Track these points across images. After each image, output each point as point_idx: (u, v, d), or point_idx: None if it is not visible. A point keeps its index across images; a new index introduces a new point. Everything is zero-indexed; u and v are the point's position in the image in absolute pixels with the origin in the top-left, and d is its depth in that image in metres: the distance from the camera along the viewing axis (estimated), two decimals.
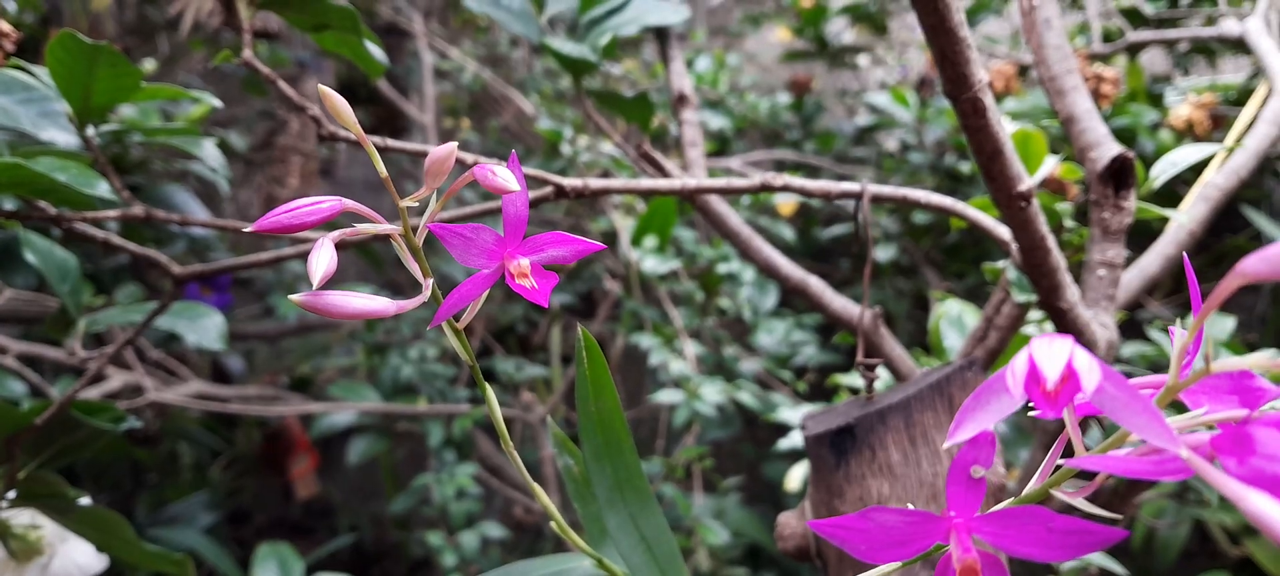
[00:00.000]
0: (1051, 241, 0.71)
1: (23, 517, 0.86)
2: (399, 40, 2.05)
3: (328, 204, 0.40)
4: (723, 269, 1.77)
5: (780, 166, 2.20)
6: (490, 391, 0.53)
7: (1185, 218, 0.86)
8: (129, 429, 0.84)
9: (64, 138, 0.77)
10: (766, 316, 1.84)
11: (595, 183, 0.75)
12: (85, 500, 0.84)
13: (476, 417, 1.64)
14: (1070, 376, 0.26)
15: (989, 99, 0.61)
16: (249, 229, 0.40)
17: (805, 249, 2.19)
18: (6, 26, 0.92)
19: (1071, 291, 0.74)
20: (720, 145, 2.23)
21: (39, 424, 0.79)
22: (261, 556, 1.33)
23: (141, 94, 0.80)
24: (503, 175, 0.37)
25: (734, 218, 0.97)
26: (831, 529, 0.31)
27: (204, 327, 0.85)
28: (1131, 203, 0.79)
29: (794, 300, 1.92)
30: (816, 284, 0.98)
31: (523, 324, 2.10)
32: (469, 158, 0.67)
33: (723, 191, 0.74)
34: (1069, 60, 0.82)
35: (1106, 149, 0.79)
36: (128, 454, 1.76)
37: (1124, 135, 1.59)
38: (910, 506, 0.45)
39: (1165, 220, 0.83)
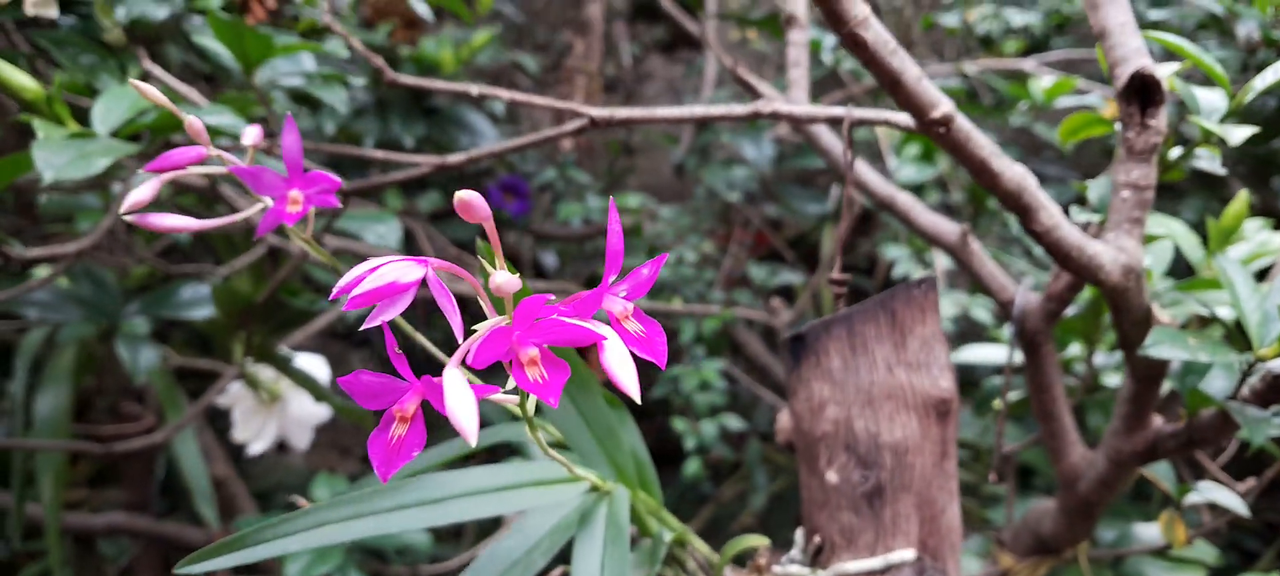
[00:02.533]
0: (1000, 163, 0.70)
1: (267, 373, 1.16)
2: None
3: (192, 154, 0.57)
4: None
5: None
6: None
7: (1240, 136, 0.77)
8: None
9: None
10: None
11: (622, 113, 0.86)
12: (298, 361, 1.12)
13: (727, 319, 1.78)
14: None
15: (869, 33, 0.64)
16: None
17: None
18: None
19: (1047, 213, 0.73)
20: (1030, 44, 2.12)
21: (259, 302, 1.07)
22: None
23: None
24: (250, 134, 0.52)
25: (827, 135, 1.02)
26: (346, 383, 0.43)
27: (379, 231, 1.08)
28: (1160, 122, 0.75)
29: None
30: (905, 199, 1.00)
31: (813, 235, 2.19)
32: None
33: (718, 119, 0.82)
34: None
35: (1131, 65, 0.75)
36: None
37: None
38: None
39: (1218, 139, 0.77)
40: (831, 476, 0.76)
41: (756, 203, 2.02)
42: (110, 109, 0.86)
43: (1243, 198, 0.98)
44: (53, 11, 0.94)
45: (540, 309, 0.39)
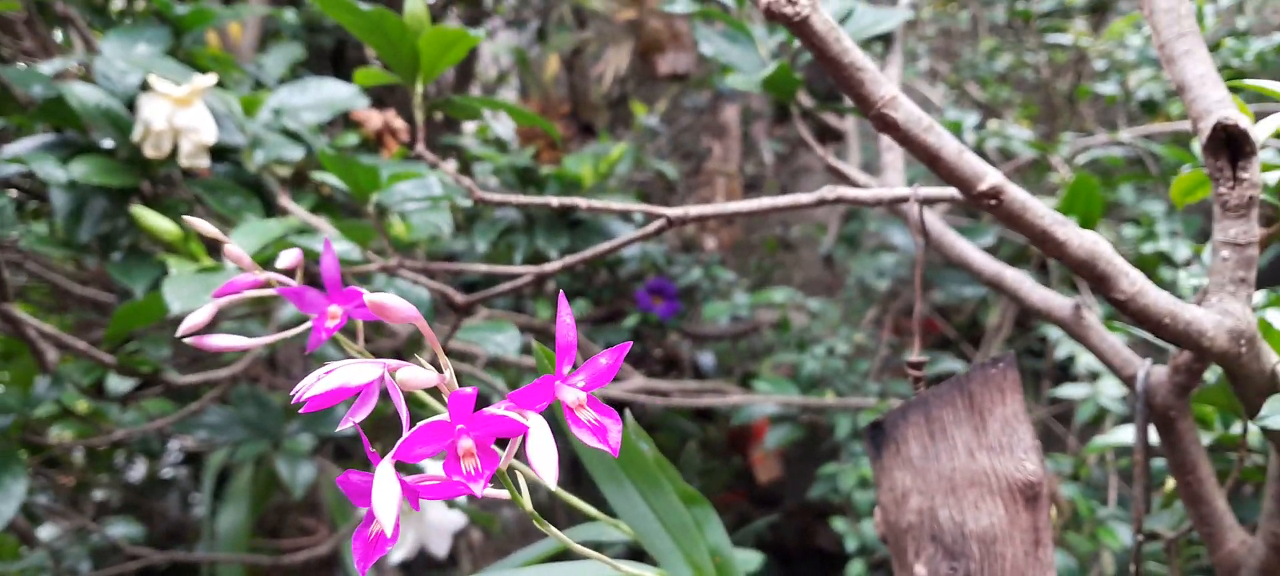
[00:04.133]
0: (1065, 231, 0.67)
1: None
2: None
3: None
4: (1148, 248, 1.63)
5: None
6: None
7: None
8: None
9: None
10: None
11: (695, 210, 0.87)
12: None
13: (882, 410, 1.72)
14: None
15: (899, 112, 0.64)
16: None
17: None
18: (399, 124, 1.30)
19: (1128, 280, 0.69)
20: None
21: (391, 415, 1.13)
22: None
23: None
24: (286, 259, 0.57)
25: (929, 214, 0.99)
26: (341, 483, 0.46)
27: (498, 341, 1.13)
28: (1253, 173, 0.69)
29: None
30: (1012, 276, 0.96)
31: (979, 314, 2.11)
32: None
33: (786, 208, 0.82)
34: (1180, 23, 0.73)
35: (1213, 116, 0.70)
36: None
37: None
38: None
39: None
40: (919, 569, 0.72)
41: (913, 289, 1.97)
42: (241, 243, 0.95)
43: None
44: (204, 161, 1.06)
45: (470, 402, 0.41)
